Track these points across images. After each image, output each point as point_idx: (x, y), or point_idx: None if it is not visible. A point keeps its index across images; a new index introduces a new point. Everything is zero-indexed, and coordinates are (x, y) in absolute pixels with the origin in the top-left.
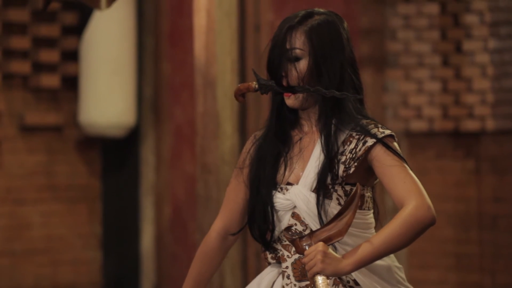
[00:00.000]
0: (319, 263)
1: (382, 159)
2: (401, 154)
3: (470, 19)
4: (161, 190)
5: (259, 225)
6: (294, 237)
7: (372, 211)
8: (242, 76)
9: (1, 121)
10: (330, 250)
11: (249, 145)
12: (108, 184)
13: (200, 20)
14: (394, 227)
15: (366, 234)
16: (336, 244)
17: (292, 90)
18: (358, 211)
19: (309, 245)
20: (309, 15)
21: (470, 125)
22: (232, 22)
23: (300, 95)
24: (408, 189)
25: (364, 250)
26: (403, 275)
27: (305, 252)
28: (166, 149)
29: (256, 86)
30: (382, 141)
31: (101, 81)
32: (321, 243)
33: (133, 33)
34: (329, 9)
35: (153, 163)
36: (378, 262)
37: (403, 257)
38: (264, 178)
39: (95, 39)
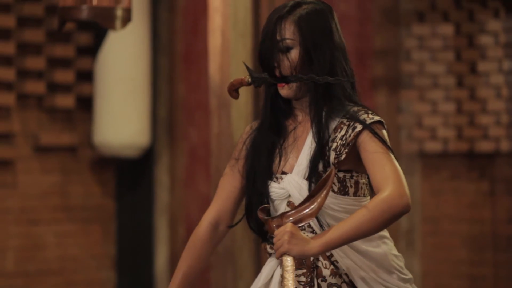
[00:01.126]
0: (286, 244)
1: (367, 145)
2: (388, 142)
3: (485, 40)
4: (175, 211)
5: (256, 216)
6: (266, 217)
7: (368, 197)
8: (257, 96)
9: (15, 141)
10: (299, 232)
11: (245, 136)
12: (122, 205)
13: (215, 40)
14: (365, 211)
15: None
16: None
17: (285, 80)
18: (353, 197)
19: (279, 226)
20: (298, 4)
21: (485, 146)
22: (247, 43)
23: (294, 85)
24: (386, 176)
25: (334, 233)
26: (401, 264)
27: (275, 233)
28: (181, 169)
29: (249, 80)
30: (370, 127)
31: (116, 102)
32: (290, 224)
33: (147, 54)
34: (343, 28)
35: (167, 184)
36: (373, 249)
37: (417, 278)
38: (260, 170)
39: (110, 60)
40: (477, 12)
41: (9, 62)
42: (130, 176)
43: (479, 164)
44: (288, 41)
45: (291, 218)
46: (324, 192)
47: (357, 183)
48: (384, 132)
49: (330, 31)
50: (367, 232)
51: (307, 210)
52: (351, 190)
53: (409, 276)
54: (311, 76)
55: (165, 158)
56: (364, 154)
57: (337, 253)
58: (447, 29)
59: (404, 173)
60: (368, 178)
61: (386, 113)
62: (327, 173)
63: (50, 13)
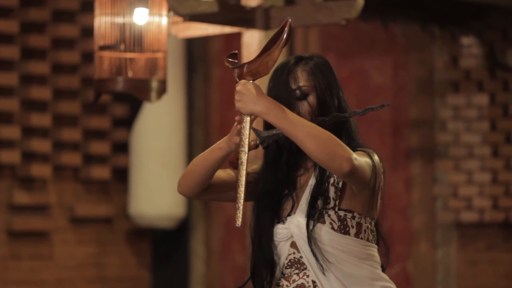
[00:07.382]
0: (236, 103)
1: None
2: (370, 154)
3: None
4: (211, 282)
5: (262, 278)
6: (230, 66)
7: (373, 244)
8: None
9: (51, 212)
10: (248, 89)
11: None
12: (158, 276)
13: None
14: (323, 130)
15: (364, 265)
16: (333, 270)
17: None
18: (355, 238)
19: (240, 76)
20: (300, 58)
21: None
22: None
23: None
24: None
25: (285, 110)
26: None
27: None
28: (216, 240)
29: (258, 141)
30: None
31: (152, 173)
32: (241, 82)
33: (183, 125)
34: (379, 99)
35: (203, 255)
36: (357, 271)
37: None
38: (265, 230)
39: (145, 131)
40: None
41: (45, 134)
42: (166, 247)
43: None
44: (304, 87)
45: (248, 69)
46: (279, 47)
47: (359, 224)
48: (375, 155)
49: (334, 77)
50: (308, 145)
51: (263, 65)
52: (352, 231)
53: None
54: (335, 115)
55: (201, 229)
56: None
57: (323, 281)
58: (482, 99)
59: (440, 244)
60: (375, 224)
61: (421, 184)
62: (282, 24)
63: (85, 85)
